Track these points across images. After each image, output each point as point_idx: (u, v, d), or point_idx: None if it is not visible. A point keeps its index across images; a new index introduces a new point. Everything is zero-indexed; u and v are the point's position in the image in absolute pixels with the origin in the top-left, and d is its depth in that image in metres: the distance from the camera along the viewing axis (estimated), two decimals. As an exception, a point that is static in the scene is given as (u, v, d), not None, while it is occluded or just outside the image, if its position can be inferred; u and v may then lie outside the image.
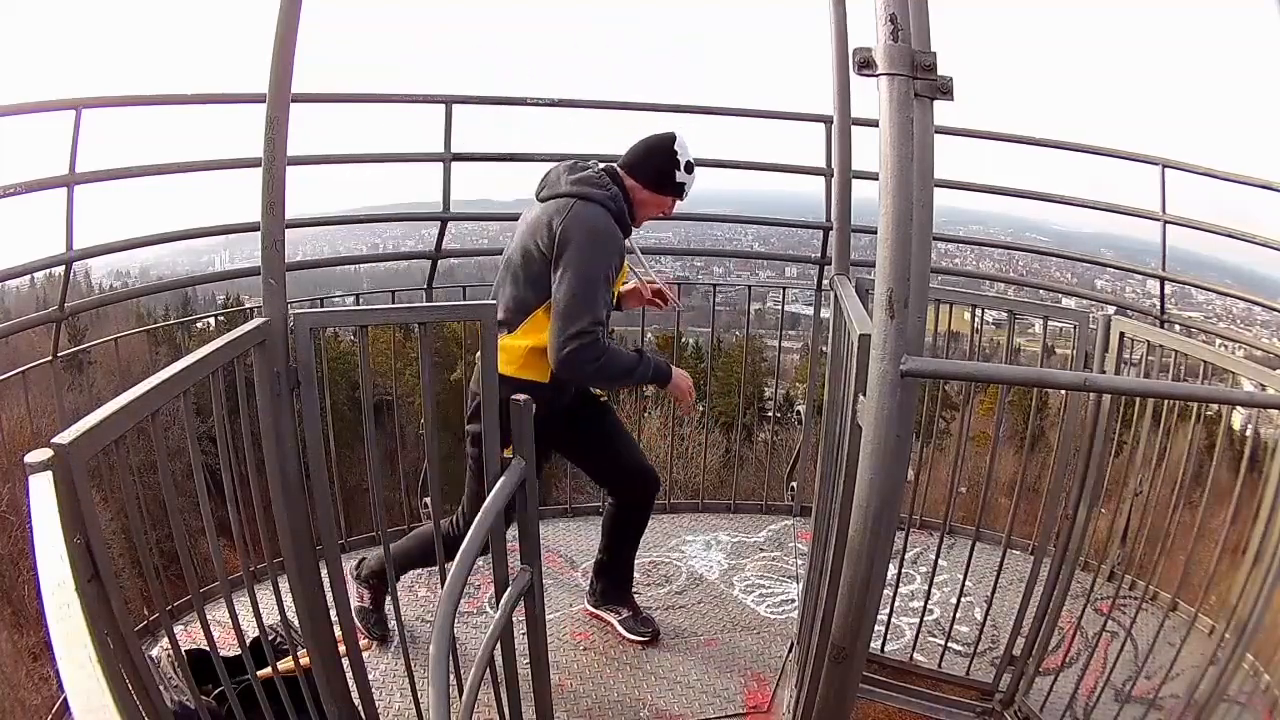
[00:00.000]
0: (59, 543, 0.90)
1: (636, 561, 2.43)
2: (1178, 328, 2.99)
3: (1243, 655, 1.64)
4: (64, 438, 1.05)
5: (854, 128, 2.11)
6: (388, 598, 2.39)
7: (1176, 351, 1.89)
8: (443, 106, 2.86)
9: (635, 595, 2.48)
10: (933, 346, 2.17)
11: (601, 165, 2.08)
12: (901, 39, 0.98)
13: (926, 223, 1.03)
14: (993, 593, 2.18)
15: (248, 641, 1.59)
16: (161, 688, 1.34)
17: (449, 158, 2.88)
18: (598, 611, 2.46)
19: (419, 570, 2.72)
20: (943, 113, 1.06)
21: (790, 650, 2.33)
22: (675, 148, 2.06)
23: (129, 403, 1.18)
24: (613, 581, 2.44)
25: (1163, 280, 3.12)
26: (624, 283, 2.18)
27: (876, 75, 1.00)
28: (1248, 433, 2.19)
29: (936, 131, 1.03)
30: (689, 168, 2.07)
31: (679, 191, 2.09)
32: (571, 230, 1.92)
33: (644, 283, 2.27)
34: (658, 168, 2.06)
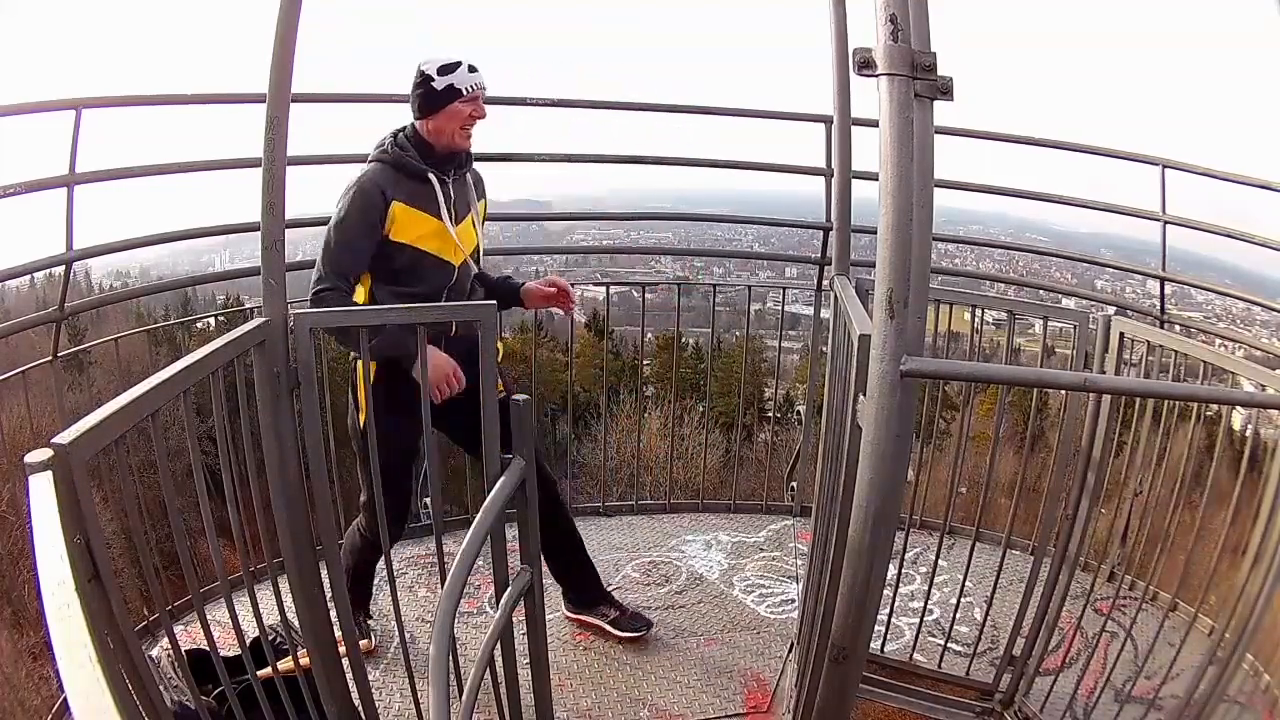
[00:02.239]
0: (59, 543, 0.90)
1: (636, 561, 2.43)
2: (1178, 328, 2.99)
3: (1243, 655, 1.64)
4: (64, 438, 1.05)
5: (854, 128, 2.11)
6: (372, 605, 2.40)
7: (1176, 352, 1.89)
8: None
9: (634, 595, 2.47)
10: (933, 346, 2.17)
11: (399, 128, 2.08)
12: (901, 39, 0.98)
13: (926, 223, 1.03)
14: (993, 593, 2.18)
15: (248, 641, 1.59)
16: (161, 688, 1.34)
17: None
18: (580, 616, 2.42)
19: (419, 570, 2.73)
20: (943, 113, 1.06)
21: (790, 650, 2.33)
22: (421, 68, 2.00)
23: (129, 403, 1.18)
24: (576, 584, 2.42)
25: (1163, 280, 3.12)
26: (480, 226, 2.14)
27: (876, 75, 1.00)
28: (1248, 433, 2.19)
29: (936, 131, 1.03)
30: (445, 69, 1.98)
31: (451, 95, 1.98)
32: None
33: (548, 282, 2.23)
34: (417, 95, 2.01)
